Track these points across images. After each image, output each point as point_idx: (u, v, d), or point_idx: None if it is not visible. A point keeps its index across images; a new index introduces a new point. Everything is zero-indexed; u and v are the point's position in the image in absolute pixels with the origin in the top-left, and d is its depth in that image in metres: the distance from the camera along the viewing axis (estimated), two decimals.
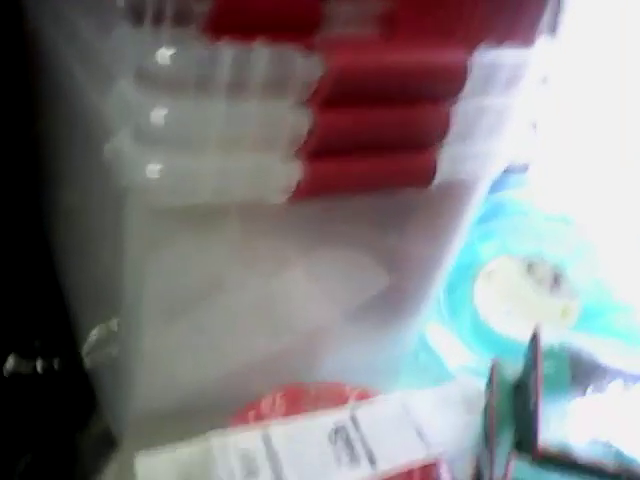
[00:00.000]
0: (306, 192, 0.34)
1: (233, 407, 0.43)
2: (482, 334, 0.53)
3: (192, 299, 0.40)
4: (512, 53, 0.37)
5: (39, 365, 0.47)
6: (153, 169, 0.31)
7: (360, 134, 0.34)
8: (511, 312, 0.53)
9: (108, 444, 0.44)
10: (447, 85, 0.35)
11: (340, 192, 0.36)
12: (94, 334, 0.45)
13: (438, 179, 0.38)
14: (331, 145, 0.34)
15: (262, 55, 0.30)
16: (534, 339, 0.43)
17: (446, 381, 0.50)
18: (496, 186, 0.55)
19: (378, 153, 0.35)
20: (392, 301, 0.49)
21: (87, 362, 0.47)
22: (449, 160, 0.38)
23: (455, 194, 0.43)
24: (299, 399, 0.45)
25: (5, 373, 0.46)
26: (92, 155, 0.33)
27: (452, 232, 0.46)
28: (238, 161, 0.33)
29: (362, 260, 0.46)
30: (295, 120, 0.32)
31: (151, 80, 0.30)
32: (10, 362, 0.46)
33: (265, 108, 0.32)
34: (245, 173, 0.33)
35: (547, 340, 0.43)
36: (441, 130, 0.36)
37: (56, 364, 0.47)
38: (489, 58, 0.36)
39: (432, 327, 0.53)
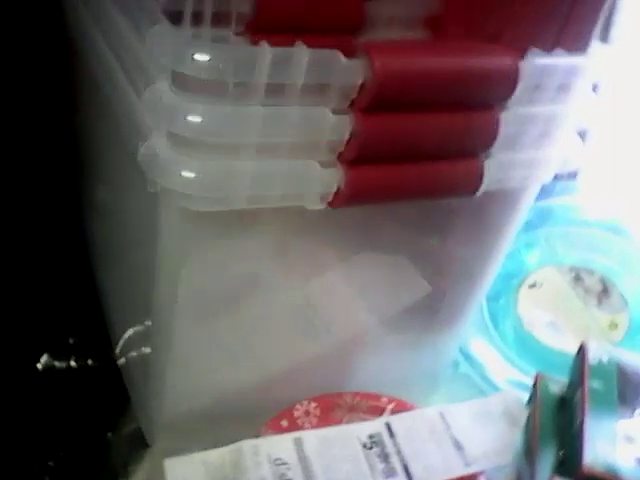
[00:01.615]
0: (345, 199, 0.33)
1: (266, 414, 0.42)
2: (526, 345, 0.51)
3: (226, 302, 0.39)
4: (564, 59, 0.35)
5: (73, 362, 0.47)
6: (188, 174, 0.31)
7: (404, 141, 0.33)
8: (556, 324, 0.51)
9: (139, 445, 0.43)
10: (496, 91, 0.34)
11: (381, 200, 0.35)
12: (127, 334, 0.45)
13: (484, 188, 0.37)
14: (373, 152, 0.32)
15: (303, 57, 0.29)
16: (581, 353, 0.41)
17: (487, 394, 0.48)
18: (544, 193, 0.53)
19: (422, 161, 0.34)
20: (433, 309, 0.47)
21: (120, 362, 0.47)
22: (496, 168, 0.36)
23: (501, 201, 0.41)
24: (334, 408, 0.44)
25: (39, 369, 0.46)
26: (128, 156, 0.33)
27: (497, 239, 0.45)
28: (276, 167, 0.32)
29: (403, 266, 0.45)
30: (336, 125, 0.31)
31: (188, 82, 0.29)
32: (44, 359, 0.46)
33: (305, 112, 0.31)
34: (283, 179, 0.32)
35: (594, 355, 0.41)
36: (489, 137, 0.35)
37: (90, 362, 0.47)
38: (540, 63, 0.34)
39: (474, 337, 0.52)
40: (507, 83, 0.33)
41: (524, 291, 0.53)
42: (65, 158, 0.53)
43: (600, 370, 0.41)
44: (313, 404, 0.44)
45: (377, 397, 0.44)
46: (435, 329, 0.48)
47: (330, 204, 0.34)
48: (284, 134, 0.31)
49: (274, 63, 0.29)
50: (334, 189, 0.33)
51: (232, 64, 0.29)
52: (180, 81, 0.29)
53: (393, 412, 0.44)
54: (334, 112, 0.31)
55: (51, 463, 0.42)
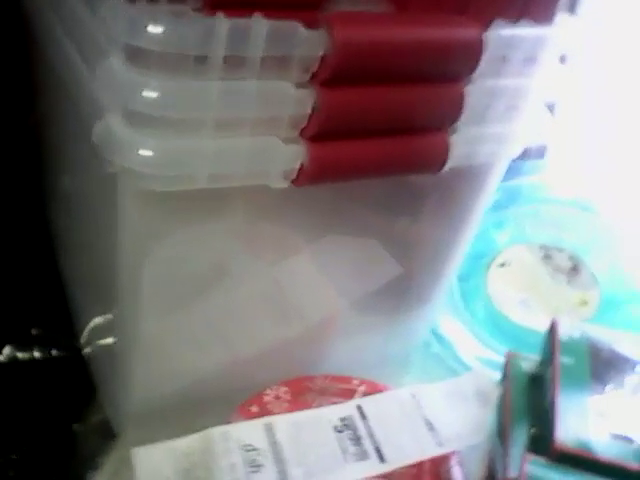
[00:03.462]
0: (310, 176, 0.32)
1: (236, 400, 0.42)
2: (497, 324, 0.51)
3: (192, 287, 0.38)
4: (529, 30, 0.35)
5: (36, 353, 0.45)
6: (145, 152, 0.30)
7: (367, 115, 0.32)
8: (527, 302, 0.51)
9: (107, 436, 0.42)
10: (460, 63, 0.33)
11: (346, 177, 0.34)
12: (92, 323, 0.44)
13: (450, 164, 0.36)
14: (335, 126, 0.32)
15: (261, 28, 0.28)
16: (552, 331, 0.41)
17: (459, 374, 0.48)
18: (512, 172, 0.53)
19: (387, 136, 0.33)
20: (403, 290, 0.47)
21: (86, 351, 0.46)
22: (462, 143, 0.36)
23: (469, 179, 0.41)
24: (304, 392, 0.43)
25: (2, 360, 0.45)
26: (84, 138, 0.32)
27: (465, 218, 0.45)
28: (237, 144, 0.31)
29: (372, 248, 0.44)
30: (297, 99, 0.30)
31: (142, 57, 0.28)
32: (7, 350, 0.45)
33: (265, 86, 0.30)
34: (245, 156, 0.31)
35: (565, 332, 0.41)
36: (454, 111, 0.34)
37: (54, 352, 0.46)
38: (505, 35, 0.34)
39: (445, 317, 0.51)
40: (471, 55, 0.33)
41: (494, 270, 0.52)
42: (28, 146, 0.51)
43: (571, 346, 0.40)
44: (283, 388, 0.43)
45: (348, 379, 0.44)
46: (405, 310, 0.48)
47: (294, 182, 0.33)
48: (244, 109, 0.30)
49: (231, 35, 0.28)
50: (297, 166, 0.32)
51: (187, 36, 0.28)
52: (134, 55, 0.28)
53: (365, 394, 0.43)
54: (296, 86, 0.30)
55: (15, 456, 0.41)
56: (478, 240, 0.52)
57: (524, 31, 0.35)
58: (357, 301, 0.46)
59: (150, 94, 0.29)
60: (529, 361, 0.42)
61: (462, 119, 0.35)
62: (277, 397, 0.42)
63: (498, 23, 0.34)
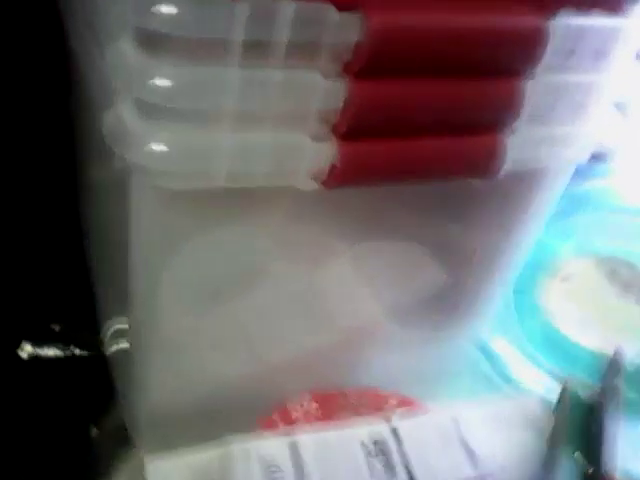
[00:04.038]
0: (342, 178, 0.29)
1: (260, 410, 0.39)
2: (553, 343, 0.46)
3: (214, 293, 0.35)
4: (601, 21, 0.30)
5: (57, 351, 0.43)
6: (157, 147, 0.27)
7: (407, 112, 0.28)
8: (588, 321, 0.46)
9: (123, 442, 0.40)
10: (520, 56, 0.29)
11: (383, 180, 0.30)
12: (113, 323, 0.42)
13: (506, 169, 0.32)
14: (370, 123, 0.28)
15: (287, 10, 0.25)
16: (615, 358, 0.37)
17: (508, 395, 0.44)
18: (578, 176, 0.49)
19: (430, 136, 0.29)
20: (449, 301, 0.43)
21: (108, 352, 0.43)
22: (521, 146, 0.32)
23: (528, 183, 0.37)
24: (334, 405, 0.40)
25: (22, 357, 0.43)
26: (98, 128, 0.29)
27: (522, 226, 0.40)
28: (259, 139, 0.28)
29: (416, 254, 0.40)
30: (327, 91, 0.27)
31: (155, 40, 0.25)
32: (28, 346, 0.43)
33: (291, 76, 0.26)
34: (267, 154, 0.28)
35: (631, 360, 0.36)
36: (511, 110, 0.30)
37: (76, 351, 0.44)
38: (573, 25, 0.29)
39: (496, 333, 0.47)
40: (533, 46, 0.29)
41: (554, 284, 0.48)
42: (61, 138, 0.49)
43: (636, 377, 0.36)
44: (312, 401, 0.40)
45: (384, 396, 0.40)
46: (451, 323, 0.44)
47: (324, 184, 0.29)
48: (267, 101, 0.27)
49: (253, 17, 0.25)
50: (327, 166, 0.29)
51: (204, 18, 0.25)
52: (146, 39, 0.25)
53: (401, 412, 0.39)
54: (326, 76, 0.27)
55: (32, 454, 0.39)
56: (538, 250, 0.48)
57: (595, 22, 0.30)
58: (398, 311, 0.42)
59: (162, 82, 0.25)
60: (588, 388, 0.38)
61: (521, 118, 0.31)
62: (304, 409, 0.39)
63: (566, 12, 0.29)
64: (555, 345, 0.46)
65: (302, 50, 0.26)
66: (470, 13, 0.27)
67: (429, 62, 0.27)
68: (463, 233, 0.40)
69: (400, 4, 0.26)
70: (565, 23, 0.29)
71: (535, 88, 0.30)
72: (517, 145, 0.31)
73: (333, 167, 0.29)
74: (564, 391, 0.38)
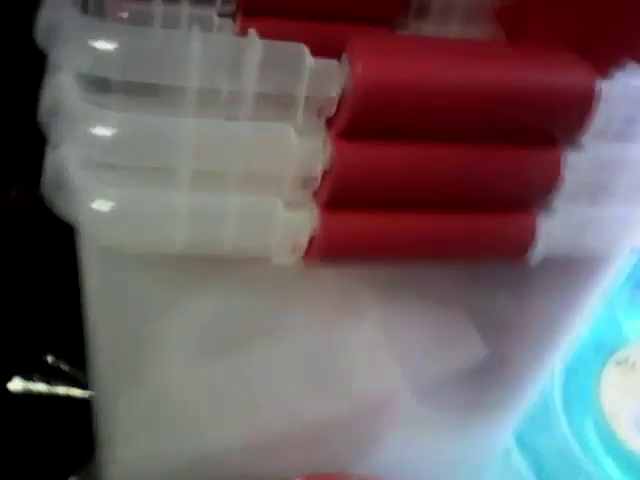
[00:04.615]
0: (323, 253, 0.24)
1: None
2: (605, 444, 0.39)
3: (192, 356, 0.31)
4: None
5: (49, 386, 0.40)
6: (103, 204, 0.22)
7: (405, 180, 0.22)
8: None
9: None
10: (557, 121, 0.23)
11: (372, 259, 0.25)
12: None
13: (540, 254, 0.26)
14: (360, 191, 0.22)
15: (254, 51, 0.20)
16: None
17: None
18: None
19: (437, 211, 0.24)
20: (484, 382, 0.37)
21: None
22: (559, 228, 0.26)
23: (576, 269, 0.30)
24: None
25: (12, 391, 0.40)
26: None
27: (573, 309, 0.34)
28: (223, 203, 0.23)
29: (451, 324, 0.35)
30: (304, 151, 0.22)
31: (99, 79, 0.21)
32: (18, 379, 0.40)
33: (261, 130, 0.21)
34: (233, 220, 0.23)
35: None
36: (546, 187, 0.24)
37: (66, 390, 0.40)
38: (634, 86, 0.23)
39: (537, 420, 0.40)
40: (576, 111, 0.22)
41: (612, 370, 0.41)
42: None
43: None
44: None
45: None
46: (485, 408, 0.38)
47: (303, 259, 0.24)
48: (231, 159, 0.22)
49: (213, 61, 0.20)
50: (305, 239, 0.23)
51: (151, 57, 0.20)
52: (89, 77, 0.21)
53: None
54: (302, 133, 0.22)
55: None
56: (602, 326, 0.41)
57: None
58: (423, 388, 0.36)
59: (106, 132, 0.21)
60: None
61: (561, 196, 0.25)
62: None
63: (627, 68, 0.23)
64: (606, 445, 0.39)
65: (275, 101, 0.21)
66: (495, 64, 0.21)
67: (435, 124, 0.22)
68: (503, 306, 0.34)
69: (400, 47, 0.21)
70: (624, 83, 0.23)
71: (579, 161, 0.24)
72: (555, 228, 0.25)
73: (313, 240, 0.23)
74: None
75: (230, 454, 0.35)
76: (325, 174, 0.22)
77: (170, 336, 0.29)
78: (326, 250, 0.24)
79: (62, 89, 0.22)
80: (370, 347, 0.35)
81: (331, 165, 0.22)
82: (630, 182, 0.26)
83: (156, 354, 0.29)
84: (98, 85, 0.21)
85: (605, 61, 0.22)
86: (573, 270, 0.31)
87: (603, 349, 0.42)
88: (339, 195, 0.23)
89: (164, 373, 0.30)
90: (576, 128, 0.23)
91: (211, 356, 0.31)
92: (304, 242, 0.23)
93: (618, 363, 0.41)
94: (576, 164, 0.24)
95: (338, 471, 0.36)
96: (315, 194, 0.23)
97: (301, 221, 0.23)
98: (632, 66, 0.23)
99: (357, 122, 0.21)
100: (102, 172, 0.22)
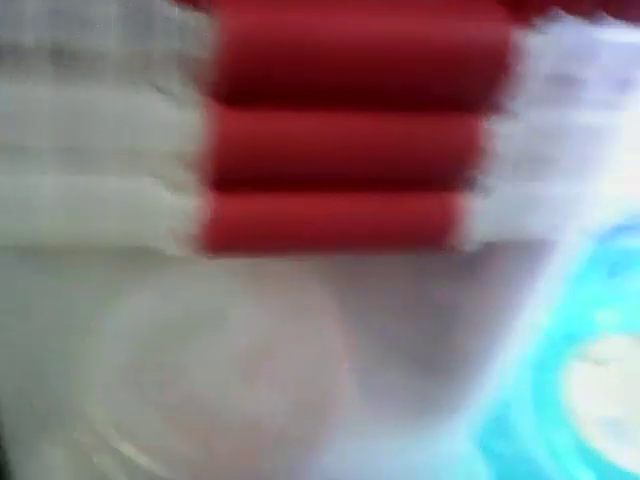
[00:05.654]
0: (219, 244, 0.21)
1: None
2: (576, 447, 0.36)
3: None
4: (617, 34, 0.21)
5: None
6: None
7: (303, 151, 0.19)
8: (621, 424, 0.36)
9: None
10: (479, 83, 0.20)
11: (279, 249, 0.22)
12: None
13: (469, 241, 0.23)
14: (247, 166, 0.19)
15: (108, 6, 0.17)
16: None
17: None
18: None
19: (339, 190, 0.20)
20: (430, 383, 0.34)
21: None
22: (492, 211, 0.22)
23: (519, 254, 0.27)
24: None
25: None
26: None
27: (520, 299, 0.31)
28: (93, 185, 0.20)
29: (398, 317, 0.32)
30: (180, 120, 0.19)
31: None
32: None
33: (123, 97, 0.18)
34: (106, 205, 0.20)
35: None
36: (463, 162, 0.21)
37: None
38: (576, 40, 0.20)
39: (503, 428, 0.37)
40: (488, 68, 0.19)
41: (581, 366, 0.38)
42: None
43: None
44: None
45: None
46: (437, 407, 0.34)
47: (197, 250, 0.21)
48: (93, 134, 0.19)
49: (58, 14, 0.17)
50: (196, 227, 0.20)
51: None
52: None
53: None
54: (173, 100, 0.19)
55: None
56: (573, 317, 0.38)
57: (609, 35, 0.20)
58: (368, 387, 0.33)
59: None
60: None
61: (489, 173, 0.22)
62: None
63: (560, 19, 0.20)
64: (577, 449, 0.36)
65: (134, 60, 0.18)
66: (389, 13, 0.18)
67: (327, 83, 0.18)
68: (454, 296, 0.31)
69: None
70: (561, 36, 0.20)
71: (515, 131, 0.21)
72: (487, 208, 0.22)
73: (205, 228, 0.20)
74: None
75: (165, 462, 0.32)
76: (207, 149, 0.19)
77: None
78: (218, 240, 0.20)
79: None
80: (308, 343, 0.32)
81: (213, 136, 0.19)
82: (573, 153, 0.22)
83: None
84: None
85: (531, 11, 0.19)
86: (521, 255, 0.28)
87: (573, 343, 0.38)
88: (225, 174, 0.19)
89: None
90: (495, 90, 0.20)
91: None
92: (195, 231, 0.20)
93: (589, 358, 0.38)
94: (507, 134, 0.21)
95: None
96: (201, 175, 0.20)
97: (186, 205, 0.20)
98: (563, 17, 0.20)
99: (235, 85, 0.18)
100: None
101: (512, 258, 0.29)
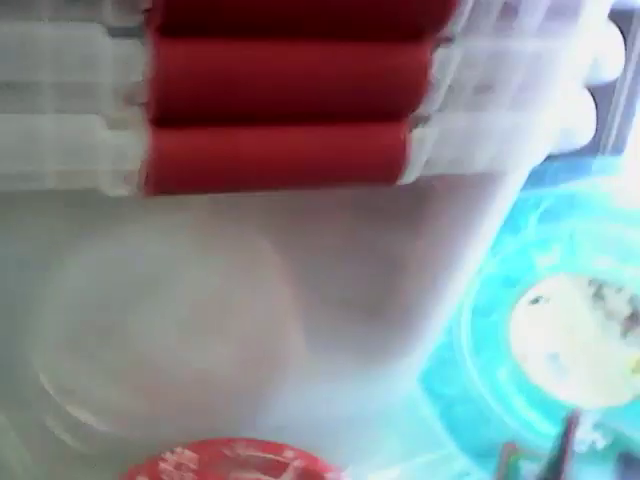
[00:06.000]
0: (161, 182, 0.20)
1: (122, 464, 0.31)
2: (519, 383, 0.37)
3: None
4: None
5: None
6: None
7: (248, 82, 0.19)
8: (559, 358, 0.37)
9: None
10: (418, 8, 0.20)
11: (222, 187, 0.21)
12: None
13: (413, 173, 0.23)
14: (192, 98, 0.19)
15: None
16: (567, 429, 0.27)
17: (452, 448, 0.35)
18: (574, 171, 0.40)
19: (285, 122, 0.20)
20: (384, 323, 0.34)
21: None
22: (435, 141, 0.23)
23: (468, 188, 0.28)
24: (217, 461, 0.32)
25: None
26: None
27: (465, 235, 0.31)
28: (35, 122, 0.19)
29: (346, 261, 0.32)
30: (120, 51, 0.18)
31: None
32: None
33: (65, 29, 0.18)
34: (49, 145, 0.19)
35: (587, 435, 0.27)
36: (412, 91, 0.21)
37: None
38: None
39: (445, 366, 0.38)
40: None
41: (524, 307, 0.39)
42: None
43: (595, 453, 0.27)
44: (189, 453, 0.31)
45: (279, 448, 0.32)
46: (384, 351, 0.35)
47: (137, 190, 0.20)
48: (34, 67, 0.18)
49: None
50: (137, 165, 0.20)
51: None
52: None
53: (299, 472, 0.31)
54: (115, 30, 0.18)
55: None
56: (512, 262, 0.39)
57: None
58: (315, 332, 0.34)
59: None
60: (533, 460, 0.29)
61: (433, 104, 0.22)
62: (178, 465, 0.31)
63: None
64: (515, 384, 0.37)
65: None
66: None
67: (272, 9, 0.18)
68: (398, 238, 0.32)
69: None
70: None
71: (453, 59, 0.21)
72: (428, 140, 0.22)
73: (147, 165, 0.20)
74: (501, 464, 0.29)
75: (115, 420, 0.32)
76: (149, 81, 0.19)
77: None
78: (163, 178, 0.20)
79: None
80: (255, 297, 0.32)
81: (153, 69, 0.18)
82: (512, 82, 0.23)
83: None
84: None
85: None
86: (465, 191, 0.28)
87: (514, 286, 0.39)
88: (168, 108, 0.19)
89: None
90: (439, 17, 0.20)
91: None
92: (136, 168, 0.20)
93: (530, 299, 0.39)
94: (447, 61, 0.21)
95: (225, 436, 0.32)
96: (143, 109, 0.19)
97: (128, 142, 0.19)
98: None
99: (174, 13, 0.17)
100: None
101: (454, 196, 0.29)
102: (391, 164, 0.22)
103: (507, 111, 0.23)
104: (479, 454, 0.34)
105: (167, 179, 0.20)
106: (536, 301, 0.39)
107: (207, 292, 0.32)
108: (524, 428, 0.34)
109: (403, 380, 0.36)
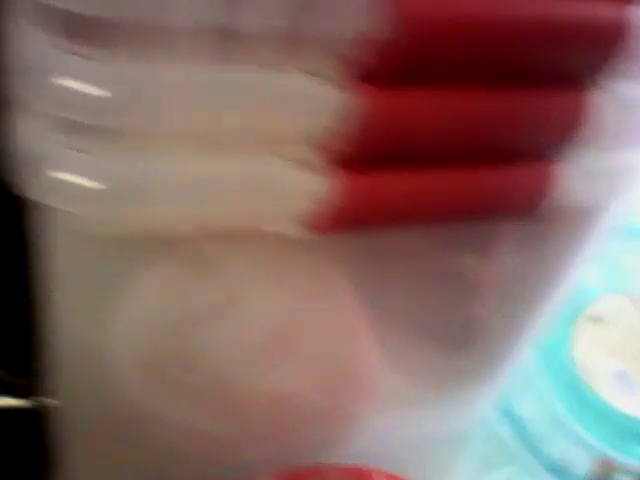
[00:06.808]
0: (342, 221, 0.21)
1: None
2: (583, 403, 0.38)
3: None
4: None
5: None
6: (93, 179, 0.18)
7: (438, 129, 0.20)
8: (625, 375, 0.39)
9: None
10: (587, 58, 0.21)
11: (395, 223, 0.22)
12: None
13: (553, 206, 0.24)
14: (389, 145, 0.20)
15: None
16: None
17: (529, 466, 0.36)
18: None
19: (459, 164, 0.21)
20: (458, 353, 0.35)
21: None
22: (576, 178, 0.24)
23: (569, 220, 0.29)
24: None
25: None
26: None
27: (557, 268, 0.32)
28: (216, 166, 0.19)
29: (427, 289, 0.32)
30: (326, 102, 0.19)
31: (74, 23, 0.17)
32: None
33: (271, 80, 0.18)
34: (230, 186, 0.20)
35: None
36: (570, 133, 0.22)
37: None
38: None
39: (522, 391, 0.39)
40: (605, 46, 0.20)
41: (583, 325, 0.40)
42: None
43: None
44: None
45: (368, 474, 0.32)
46: (464, 379, 0.36)
47: (313, 228, 0.21)
48: (232, 116, 0.18)
49: None
50: (322, 206, 0.20)
51: None
52: (62, 20, 0.17)
53: None
54: (323, 81, 0.19)
55: None
56: None
57: None
58: (400, 358, 0.34)
59: (83, 86, 0.17)
60: (630, 476, 0.30)
61: (584, 143, 0.23)
62: None
63: None
64: (584, 404, 0.38)
65: (287, 43, 0.18)
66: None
67: (464, 64, 0.19)
68: (481, 270, 0.32)
69: None
70: None
71: (608, 104, 0.22)
72: (571, 177, 0.23)
73: (332, 208, 0.20)
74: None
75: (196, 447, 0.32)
76: (357, 129, 0.19)
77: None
78: (348, 218, 0.21)
79: (24, 34, 0.18)
80: (330, 322, 0.32)
81: (360, 116, 0.19)
82: None
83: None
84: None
85: None
86: (565, 226, 0.29)
87: (572, 304, 0.40)
88: (365, 153, 0.20)
89: None
90: (601, 67, 0.21)
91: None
92: (319, 210, 0.20)
93: (589, 318, 0.40)
94: (599, 106, 0.22)
95: (311, 463, 0.33)
96: (335, 156, 0.20)
97: (319, 186, 0.20)
98: None
99: (402, 68, 0.18)
100: (76, 140, 0.18)
101: (551, 226, 0.30)
102: (537, 199, 0.23)
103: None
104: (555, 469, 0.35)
105: (354, 220, 0.21)
106: (598, 320, 0.40)
107: (281, 318, 0.32)
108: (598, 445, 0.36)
109: (483, 403, 0.37)
